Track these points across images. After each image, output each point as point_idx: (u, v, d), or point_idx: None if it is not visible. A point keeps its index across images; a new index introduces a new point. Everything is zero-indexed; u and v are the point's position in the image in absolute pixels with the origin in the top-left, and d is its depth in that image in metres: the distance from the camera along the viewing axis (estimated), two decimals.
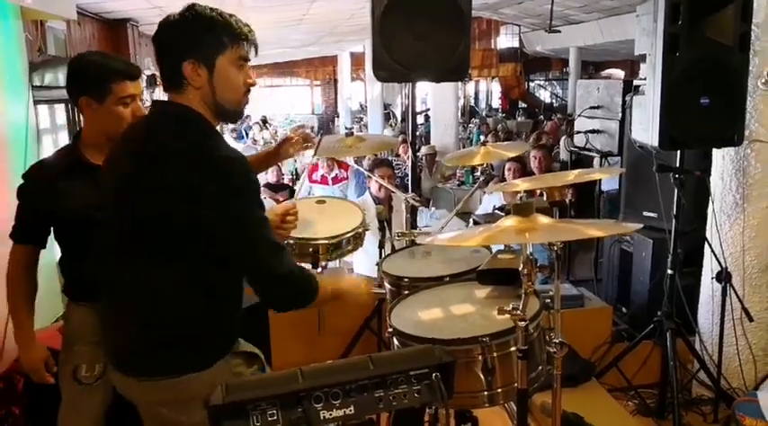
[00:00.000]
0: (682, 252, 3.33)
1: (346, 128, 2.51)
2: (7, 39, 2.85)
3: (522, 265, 1.40)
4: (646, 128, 3.07)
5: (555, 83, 20.82)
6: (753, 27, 2.98)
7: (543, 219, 1.38)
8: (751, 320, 3.24)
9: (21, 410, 2.64)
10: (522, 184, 1.87)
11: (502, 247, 1.87)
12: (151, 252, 1.62)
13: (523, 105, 19.51)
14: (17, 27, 2.98)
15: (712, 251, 3.31)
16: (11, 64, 2.89)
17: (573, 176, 2.05)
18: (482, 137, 11.77)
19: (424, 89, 13.10)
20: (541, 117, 15.75)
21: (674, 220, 3.25)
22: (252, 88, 1.73)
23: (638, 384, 3.50)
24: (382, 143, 2.88)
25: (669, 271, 3.28)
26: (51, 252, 3.19)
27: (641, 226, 1.53)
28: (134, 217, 1.62)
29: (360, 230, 2.22)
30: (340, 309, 2.85)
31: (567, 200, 4.89)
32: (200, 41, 1.62)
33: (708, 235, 3.40)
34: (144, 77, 5.65)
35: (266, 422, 1.00)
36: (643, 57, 3.13)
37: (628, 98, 3.94)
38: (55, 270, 3.17)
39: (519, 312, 1.38)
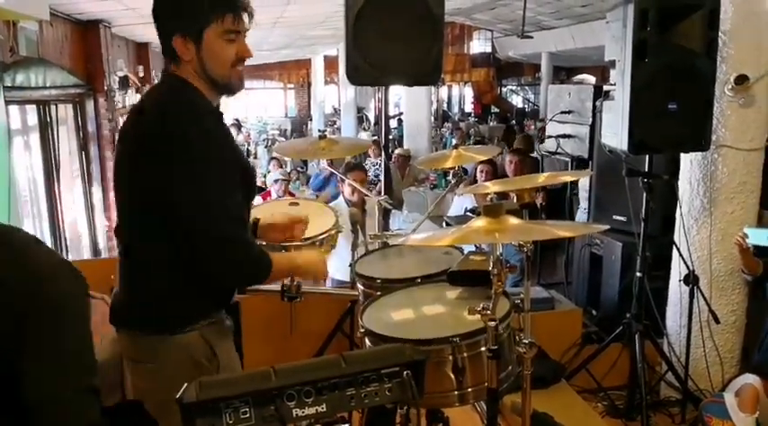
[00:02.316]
0: (650, 256, 3.39)
1: (319, 131, 2.52)
2: None
3: (491, 265, 1.42)
4: (615, 133, 3.12)
5: (527, 88, 21.04)
6: (720, 34, 3.05)
7: (513, 220, 1.40)
8: (717, 322, 3.30)
9: None
10: (493, 186, 1.89)
11: (473, 248, 1.89)
12: (129, 213, 1.71)
13: (496, 110, 19.67)
14: None
15: (680, 254, 3.37)
16: None
17: (542, 178, 2.08)
18: (455, 141, 11.89)
19: (398, 93, 13.16)
20: (513, 122, 15.90)
21: (642, 224, 3.31)
22: (245, 59, 1.74)
23: (608, 385, 3.54)
24: (355, 145, 2.88)
25: (638, 274, 3.34)
26: None
27: (607, 227, 1.57)
28: (129, 183, 1.70)
29: (333, 232, 2.23)
30: (312, 310, 2.85)
31: (538, 204, 4.95)
32: (187, 16, 1.65)
33: (676, 238, 3.46)
34: (116, 79, 5.58)
35: (239, 420, 1.00)
36: (613, 63, 3.18)
37: (598, 103, 4.01)
38: None
39: (489, 312, 1.40)
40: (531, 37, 11.91)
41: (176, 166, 1.58)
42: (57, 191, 4.50)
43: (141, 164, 1.64)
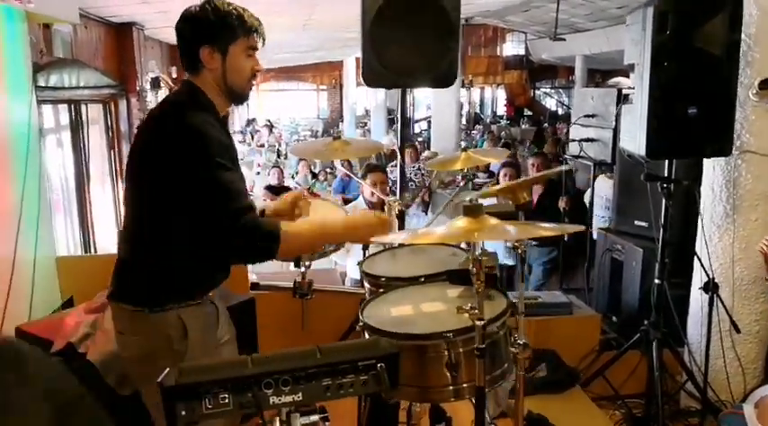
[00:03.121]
0: (670, 262, 3.34)
1: (333, 132, 2.57)
2: (12, 42, 2.92)
3: (470, 265, 1.43)
4: (633, 137, 3.10)
5: (561, 91, 20.80)
6: (744, 37, 2.99)
7: (492, 220, 1.42)
8: (738, 331, 3.23)
9: None
10: (492, 188, 1.90)
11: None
12: (135, 200, 1.92)
13: (529, 113, 19.52)
14: (22, 30, 3.06)
15: (700, 261, 3.32)
16: (15, 65, 2.96)
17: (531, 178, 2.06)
18: (486, 144, 11.83)
19: (429, 95, 13.17)
20: (546, 124, 15.75)
21: (661, 229, 3.26)
22: (258, 73, 1.97)
23: (627, 393, 3.50)
24: (368, 147, 2.92)
25: (656, 281, 3.30)
26: (51, 248, 3.28)
27: (582, 227, 1.57)
28: (129, 172, 1.94)
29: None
30: (326, 307, 2.90)
31: (562, 209, 4.93)
32: (217, 31, 1.88)
33: (697, 245, 3.41)
34: (148, 79, 5.75)
35: (218, 405, 1.05)
36: (632, 67, 3.15)
37: (618, 107, 3.97)
38: (54, 264, 3.27)
39: (476, 311, 1.42)
40: (564, 39, 11.79)
41: (192, 169, 1.77)
42: (86, 189, 4.66)
43: (150, 163, 1.85)
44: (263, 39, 1.95)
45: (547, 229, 1.45)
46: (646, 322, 3.34)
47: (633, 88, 3.28)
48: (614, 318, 4.15)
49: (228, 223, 1.75)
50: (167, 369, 1.04)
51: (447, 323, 1.59)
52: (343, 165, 3.09)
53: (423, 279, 1.97)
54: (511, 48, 19.18)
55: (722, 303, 3.22)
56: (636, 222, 3.96)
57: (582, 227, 1.55)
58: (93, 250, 4.63)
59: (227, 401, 1.04)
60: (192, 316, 1.91)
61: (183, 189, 1.78)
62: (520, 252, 1.69)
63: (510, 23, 15.13)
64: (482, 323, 1.41)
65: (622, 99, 3.94)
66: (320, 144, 2.69)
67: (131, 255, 1.94)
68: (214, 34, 1.88)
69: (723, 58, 2.92)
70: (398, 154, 3.12)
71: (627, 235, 4.07)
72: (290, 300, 2.52)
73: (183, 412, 1.02)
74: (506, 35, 18.85)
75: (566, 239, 5.17)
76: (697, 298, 3.48)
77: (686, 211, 3.54)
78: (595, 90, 4.81)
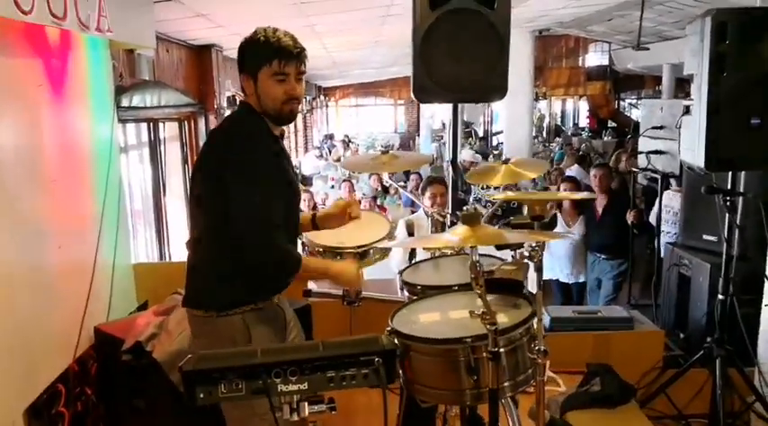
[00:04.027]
0: (742, 278, 3.22)
1: (382, 147, 2.68)
2: (96, 67, 3.23)
3: (470, 271, 1.49)
4: (692, 149, 3.03)
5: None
6: None
7: (488, 228, 1.48)
8: None
9: (93, 391, 2.96)
10: (499, 195, 1.94)
11: (510, 259, 1.96)
12: (196, 211, 2.09)
13: (613, 125, 18.92)
14: (105, 56, 3.38)
15: (765, 278, 3.19)
16: (98, 88, 3.25)
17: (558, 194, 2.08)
18: (565, 158, 11.60)
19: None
20: (629, 136, 15.22)
21: (725, 244, 3.16)
22: (295, 98, 2.03)
23: (691, 413, 3.39)
24: (415, 160, 3.00)
25: (720, 297, 3.19)
26: (128, 255, 3.57)
27: (576, 235, 1.59)
28: (193, 193, 2.14)
29: (386, 241, 2.37)
30: (374, 314, 3.00)
31: (630, 222, 4.83)
32: (247, 59, 2.02)
33: None
34: (225, 97, 6.09)
35: (232, 390, 1.18)
36: (692, 77, 3.09)
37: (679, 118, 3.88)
38: (131, 270, 3.56)
39: (488, 316, 1.47)
40: (648, 48, 11.37)
41: (231, 186, 1.92)
42: (163, 201, 4.99)
43: (205, 179, 2.03)
44: (299, 63, 1.99)
45: (543, 236, 1.49)
46: (709, 339, 3.24)
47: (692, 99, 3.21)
48: (681, 335, 4.03)
49: (254, 249, 1.94)
50: (189, 356, 1.18)
51: (470, 329, 1.65)
52: (390, 178, 3.19)
53: (456, 288, 2.04)
54: (594, 58, 18.68)
55: None
56: (704, 236, 3.85)
57: (571, 234, 1.58)
58: (168, 258, 4.95)
59: (240, 387, 1.18)
60: (257, 321, 2.06)
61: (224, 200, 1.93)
62: (536, 260, 1.73)
63: (592, 33, 14.78)
64: (493, 328, 1.47)
65: (684, 110, 3.85)
66: (370, 157, 2.81)
67: (197, 264, 2.12)
68: (246, 62, 2.02)
69: None
70: (451, 167, 3.20)
71: (694, 249, 3.95)
72: (341, 307, 2.63)
73: (202, 395, 1.16)
74: (589, 45, 18.40)
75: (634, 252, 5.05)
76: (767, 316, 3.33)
77: (759, 225, 3.40)
78: (665, 101, 4.71)
